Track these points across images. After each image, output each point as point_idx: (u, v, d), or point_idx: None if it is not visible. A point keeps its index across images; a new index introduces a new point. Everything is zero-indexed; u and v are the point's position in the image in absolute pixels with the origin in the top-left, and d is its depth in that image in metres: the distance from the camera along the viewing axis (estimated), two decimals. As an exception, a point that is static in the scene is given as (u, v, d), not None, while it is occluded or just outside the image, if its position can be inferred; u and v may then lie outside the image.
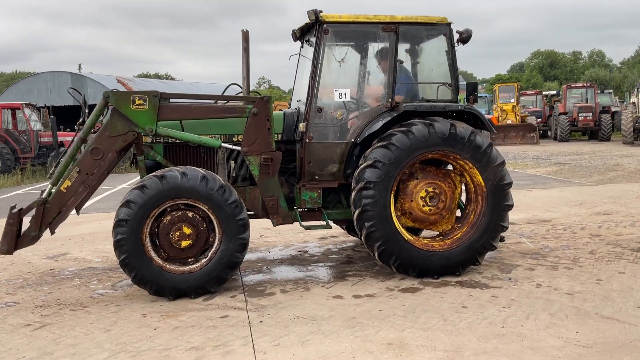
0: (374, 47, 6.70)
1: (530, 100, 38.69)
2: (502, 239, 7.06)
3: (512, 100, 32.35)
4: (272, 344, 4.68)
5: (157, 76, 77.00)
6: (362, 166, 6.13)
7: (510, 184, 6.34)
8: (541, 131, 35.15)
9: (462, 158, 6.22)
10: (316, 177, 6.47)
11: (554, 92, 41.89)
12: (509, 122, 31.32)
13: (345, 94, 6.40)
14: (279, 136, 6.56)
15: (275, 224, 6.54)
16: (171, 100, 7.14)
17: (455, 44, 6.57)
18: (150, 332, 5.03)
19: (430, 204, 6.37)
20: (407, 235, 6.25)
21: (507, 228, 6.42)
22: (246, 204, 6.48)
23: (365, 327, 4.95)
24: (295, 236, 8.70)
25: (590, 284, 5.91)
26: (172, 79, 67.76)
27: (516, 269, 6.57)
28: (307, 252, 7.78)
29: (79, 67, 50.41)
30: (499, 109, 31.95)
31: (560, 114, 32.95)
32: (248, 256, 7.68)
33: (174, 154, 6.48)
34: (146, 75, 76.76)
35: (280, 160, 6.35)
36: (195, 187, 5.79)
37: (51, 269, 7.36)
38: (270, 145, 6.30)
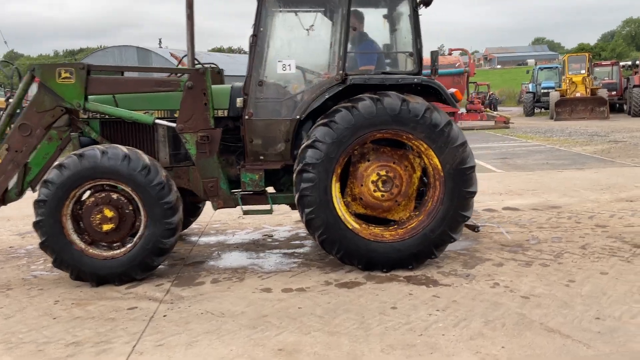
0: (323, 12, 5.99)
1: (605, 72, 35.94)
2: (476, 229, 6.29)
3: (583, 72, 30.13)
4: (156, 343, 4.24)
5: (230, 50, 77.70)
6: (302, 146, 5.52)
7: (472, 168, 5.54)
8: (617, 105, 32.67)
9: (415, 138, 5.48)
10: (261, 157, 5.91)
11: (629, 63, 38.78)
12: (577, 95, 29.23)
13: (289, 65, 5.76)
14: (225, 112, 6.01)
15: (215, 208, 6.06)
16: (125, 73, 6.77)
17: (418, 8, 5.77)
18: (47, 321, 4.71)
19: (382, 189, 5.68)
20: (352, 223, 5.61)
21: (468, 218, 5.64)
22: (190, 185, 6.04)
23: (269, 328, 4.42)
24: (272, 218, 8.18)
25: (557, 286, 5.08)
26: (245, 52, 67.88)
27: (483, 263, 5.80)
28: (272, 236, 7.27)
29: (159, 41, 51.37)
30: (567, 81, 29.87)
31: (635, 86, 30.34)
32: (207, 239, 7.27)
33: (111, 131, 6.09)
34: (219, 50, 77.61)
35: (219, 139, 5.82)
36: (116, 167, 5.38)
37: (10, 247, 7.22)
38: (208, 122, 5.79)
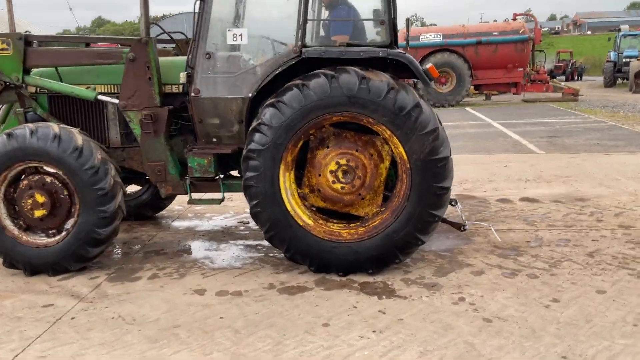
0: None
1: None
2: (462, 228, 5.42)
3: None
4: (40, 354, 3.76)
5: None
6: (250, 129, 4.83)
7: (445, 159, 4.67)
8: None
9: (377, 123, 4.65)
10: (214, 140, 5.26)
11: None
12: (664, 66, 26.62)
13: (241, 35, 5.03)
14: (180, 88, 5.38)
15: (163, 195, 5.49)
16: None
17: (390, -33, 4.87)
18: (-48, 317, 4.34)
19: (342, 180, 4.91)
20: (305, 218, 4.89)
21: (439, 218, 4.79)
22: (142, 167, 5.51)
23: (171, 344, 3.84)
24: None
25: (535, 307, 4.20)
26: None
27: (460, 270, 4.95)
28: (248, 223, 6.65)
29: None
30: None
31: None
32: (180, 224, 6.76)
33: (59, 107, 5.61)
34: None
35: (166, 118, 5.21)
36: (45, 148, 4.90)
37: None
38: (153, 99, 5.19)
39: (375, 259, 4.83)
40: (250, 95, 5.01)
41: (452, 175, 4.77)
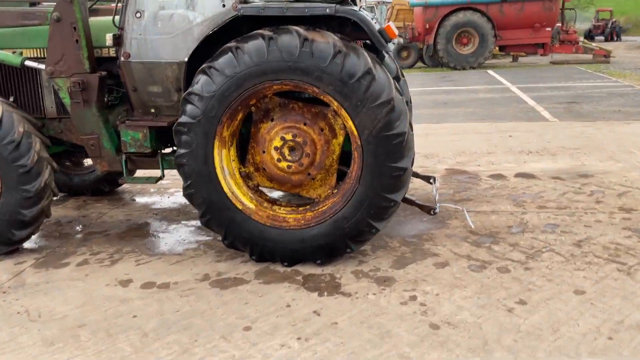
0: None
1: None
2: (432, 211, 4.78)
3: None
4: None
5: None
6: (182, 100, 4.25)
7: (401, 135, 4.00)
8: None
9: (322, 92, 4.01)
10: (152, 111, 4.69)
11: None
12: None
13: (174, -10, 4.40)
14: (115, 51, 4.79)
15: (99, 171, 4.98)
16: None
17: None
18: None
19: (289, 158, 4.31)
20: (245, 201, 4.32)
21: (395, 203, 4.15)
22: (80, 139, 4.99)
23: (65, 349, 3.39)
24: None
25: (495, 311, 3.59)
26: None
27: (422, 262, 4.34)
28: (210, 200, 6.09)
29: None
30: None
31: None
32: (139, 200, 6.26)
33: (-6, 74, 5.10)
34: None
35: (97, 85, 4.65)
36: (-40, 121, 4.41)
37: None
38: (82, 65, 4.63)
39: (324, 249, 4.25)
40: (186, 59, 4.39)
41: (411, 154, 4.12)
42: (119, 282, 4.22)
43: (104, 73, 4.72)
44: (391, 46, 5.78)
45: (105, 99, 4.79)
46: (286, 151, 4.31)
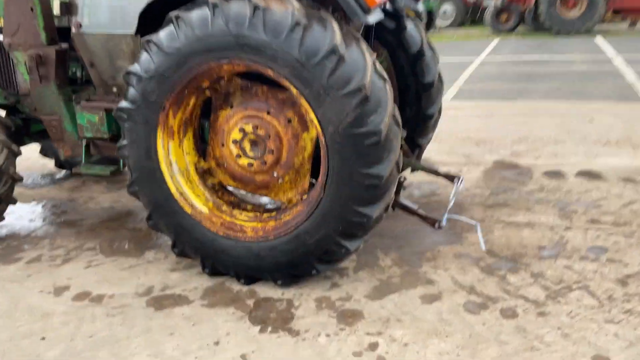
0: None
1: None
2: (437, 224, 3.84)
3: None
4: None
5: None
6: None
7: (375, 134, 3.07)
8: None
9: (278, 75, 3.16)
10: (114, 90, 4.06)
11: None
12: None
13: (127, -52, 3.67)
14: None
15: (62, 157, 4.44)
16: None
17: None
18: None
19: (250, 154, 3.53)
20: (196, 203, 3.61)
21: (370, 219, 3.25)
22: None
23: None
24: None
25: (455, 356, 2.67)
26: None
27: (408, 292, 3.45)
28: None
29: None
30: None
31: None
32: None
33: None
34: None
35: (55, 60, 4.08)
36: None
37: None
38: (38, 37, 4.07)
39: (284, 268, 3.47)
40: (133, 31, 3.69)
41: (392, 157, 3.19)
42: (55, 289, 3.68)
43: (64, 46, 4.13)
44: (420, 6, 4.81)
45: (69, 74, 4.22)
46: (247, 145, 3.53)
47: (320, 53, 3.02)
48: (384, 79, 3.20)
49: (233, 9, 3.12)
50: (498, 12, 20.98)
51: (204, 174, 3.73)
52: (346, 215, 3.24)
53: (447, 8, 26.13)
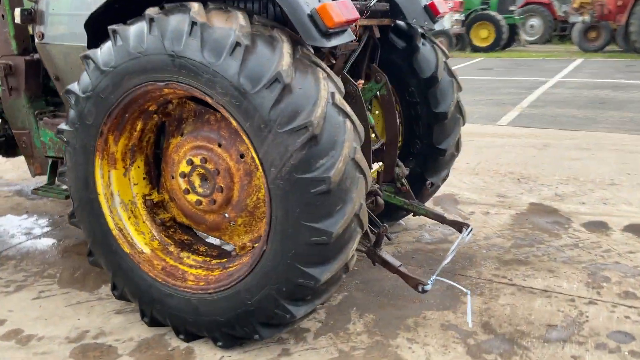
0: None
1: None
2: (420, 288, 3.20)
3: None
4: None
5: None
6: (69, 96, 3.19)
7: (323, 181, 2.50)
8: None
9: (218, 104, 2.66)
10: (81, 106, 3.70)
11: None
12: None
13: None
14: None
15: (32, 174, 4.14)
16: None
17: None
18: None
19: (199, 190, 3.06)
20: (139, 243, 3.17)
21: (317, 283, 2.67)
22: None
23: None
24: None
25: None
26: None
27: (368, 371, 2.83)
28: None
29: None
30: None
31: None
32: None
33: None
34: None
35: (25, 71, 3.80)
36: None
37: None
38: (9, 46, 3.80)
39: (222, 327, 2.95)
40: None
41: (347, 211, 2.60)
42: (-15, 323, 3.35)
43: (35, 56, 3.83)
44: (447, 24, 4.18)
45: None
46: (196, 180, 3.05)
47: (262, 81, 2.50)
48: (346, 115, 2.63)
49: (170, 24, 2.66)
50: (586, 29, 19.61)
51: (155, 208, 3.29)
52: (290, 275, 2.68)
53: (534, 23, 24.83)
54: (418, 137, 4.11)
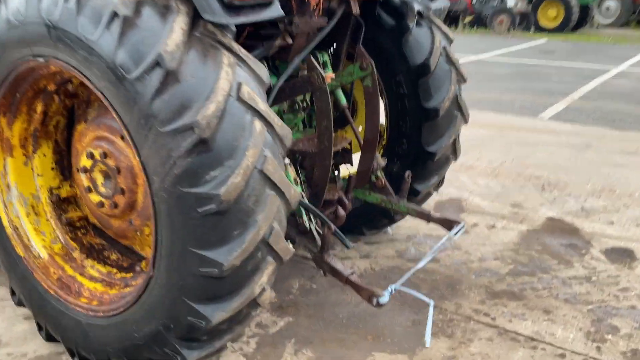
0: None
1: None
2: (375, 301, 2.63)
3: None
4: None
5: None
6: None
7: (212, 201, 1.93)
8: None
9: (96, 89, 2.11)
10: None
11: None
12: None
13: None
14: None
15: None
16: None
17: None
18: None
19: (101, 189, 2.54)
20: (35, 244, 2.70)
21: (207, 322, 2.11)
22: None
23: None
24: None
25: None
26: None
27: None
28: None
29: None
30: None
31: None
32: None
33: None
34: None
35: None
36: None
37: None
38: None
39: (107, 357, 2.44)
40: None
41: (247, 238, 2.02)
42: None
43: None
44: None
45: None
46: (98, 177, 2.53)
47: (142, 63, 1.92)
48: (256, 114, 2.03)
49: (48, -16, 2.11)
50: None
51: (63, 204, 2.81)
52: (179, 310, 2.14)
53: (611, 4, 23.00)
54: (405, 136, 3.45)
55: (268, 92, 2.59)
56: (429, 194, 3.69)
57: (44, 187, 2.76)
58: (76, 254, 2.72)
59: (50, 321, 2.63)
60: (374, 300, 2.55)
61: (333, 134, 2.74)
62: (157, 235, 2.11)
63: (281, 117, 3.04)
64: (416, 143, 3.42)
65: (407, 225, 4.05)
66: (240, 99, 2.00)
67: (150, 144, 1.98)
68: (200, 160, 1.93)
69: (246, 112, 2.01)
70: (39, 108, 2.60)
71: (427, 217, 3.28)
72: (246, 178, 1.97)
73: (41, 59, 2.23)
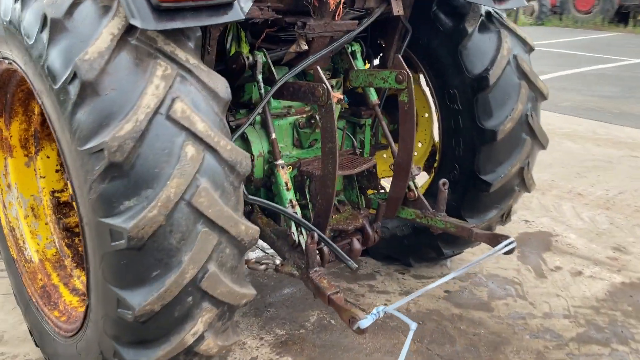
0: None
1: None
2: (357, 328, 2.35)
3: None
4: None
5: None
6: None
7: (121, 236, 1.65)
8: None
9: (37, 94, 1.94)
10: None
11: None
12: None
13: None
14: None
15: None
16: None
17: None
18: None
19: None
20: (29, 247, 2.65)
21: None
22: None
23: None
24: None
25: None
26: None
27: None
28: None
29: None
30: None
31: None
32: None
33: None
34: None
35: None
36: None
37: None
38: None
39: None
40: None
41: (167, 280, 1.73)
42: None
43: None
44: (513, 3, 2.88)
45: None
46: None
47: (64, 73, 1.70)
48: (191, 136, 1.73)
49: (6, -16, 1.98)
50: None
51: (64, 209, 2.72)
52: (106, 348, 1.92)
53: None
54: (457, 160, 2.93)
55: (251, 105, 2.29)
56: (489, 228, 3.11)
57: (46, 190, 2.69)
58: (67, 262, 2.62)
59: (33, 327, 2.56)
60: (355, 326, 2.11)
61: (338, 157, 2.32)
62: (87, 263, 1.90)
63: (297, 132, 2.69)
64: (470, 169, 2.88)
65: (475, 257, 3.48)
66: (170, 118, 1.70)
67: (72, 163, 1.76)
68: (114, 187, 1.67)
69: (178, 133, 1.71)
70: (37, 109, 2.51)
71: (469, 234, 2.68)
72: (166, 211, 1.67)
73: (6, 62, 2.11)
